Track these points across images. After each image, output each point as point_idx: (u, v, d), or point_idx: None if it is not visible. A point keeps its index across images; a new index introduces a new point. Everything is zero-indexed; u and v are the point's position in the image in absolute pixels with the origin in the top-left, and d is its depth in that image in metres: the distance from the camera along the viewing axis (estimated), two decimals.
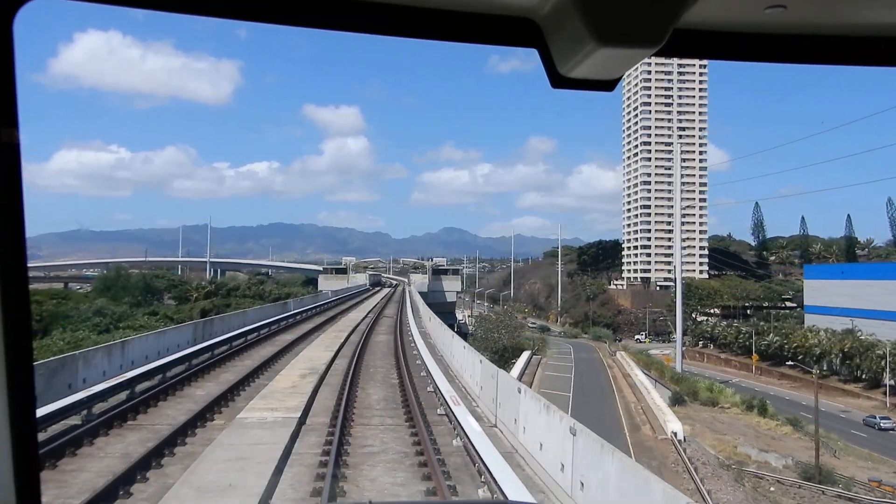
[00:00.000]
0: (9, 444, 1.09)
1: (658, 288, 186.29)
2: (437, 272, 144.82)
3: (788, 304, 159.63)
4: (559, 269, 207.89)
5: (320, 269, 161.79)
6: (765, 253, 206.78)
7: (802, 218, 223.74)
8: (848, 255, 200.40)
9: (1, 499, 1.10)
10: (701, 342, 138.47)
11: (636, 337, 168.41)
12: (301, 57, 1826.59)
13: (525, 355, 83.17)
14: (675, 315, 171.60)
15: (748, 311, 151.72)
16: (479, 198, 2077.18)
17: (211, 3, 1.23)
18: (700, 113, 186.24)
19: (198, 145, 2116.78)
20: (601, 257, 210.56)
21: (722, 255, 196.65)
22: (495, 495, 9.72)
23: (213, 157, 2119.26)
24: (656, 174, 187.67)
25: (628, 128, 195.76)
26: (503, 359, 75.29)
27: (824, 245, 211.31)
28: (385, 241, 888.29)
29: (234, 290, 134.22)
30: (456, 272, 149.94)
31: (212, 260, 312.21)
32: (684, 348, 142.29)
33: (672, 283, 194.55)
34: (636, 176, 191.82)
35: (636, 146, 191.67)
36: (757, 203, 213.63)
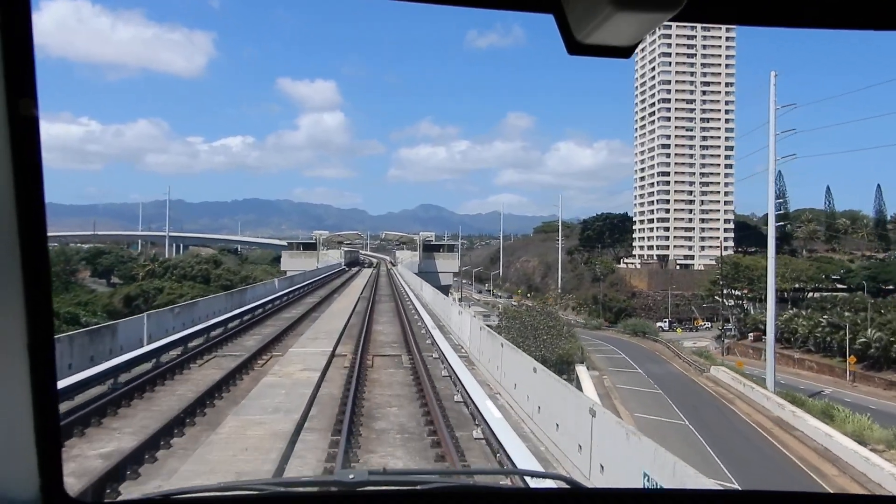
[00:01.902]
0: (31, 418, 1.07)
1: (678, 267, 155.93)
2: (429, 248, 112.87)
3: (839, 285, 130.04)
4: (559, 246, 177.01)
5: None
6: (789, 227, 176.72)
7: (828, 188, 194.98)
8: (878, 229, 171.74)
9: (25, 472, 1.09)
10: (752, 334, 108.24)
11: (658, 324, 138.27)
12: (276, 30, 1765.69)
13: (585, 375, 51.92)
14: (708, 299, 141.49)
15: (788, 295, 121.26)
16: (456, 175, 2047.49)
17: None
18: (727, 66, 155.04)
19: (170, 119, 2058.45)
20: (607, 233, 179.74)
21: (742, 229, 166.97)
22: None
23: (187, 131, 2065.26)
24: (677, 136, 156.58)
25: (643, 83, 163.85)
26: None
27: (847, 219, 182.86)
28: (362, 218, 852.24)
29: (174, 268, 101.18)
30: (451, 248, 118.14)
31: (175, 234, 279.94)
32: (729, 342, 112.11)
33: (692, 262, 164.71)
34: (652, 139, 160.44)
35: (653, 104, 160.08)
36: (780, 171, 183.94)
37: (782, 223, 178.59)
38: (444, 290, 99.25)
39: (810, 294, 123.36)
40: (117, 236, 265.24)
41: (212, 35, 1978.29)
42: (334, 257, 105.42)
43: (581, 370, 54.41)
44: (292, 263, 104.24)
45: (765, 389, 48.75)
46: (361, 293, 50.54)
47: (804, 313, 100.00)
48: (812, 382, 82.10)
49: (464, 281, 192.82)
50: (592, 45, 1.22)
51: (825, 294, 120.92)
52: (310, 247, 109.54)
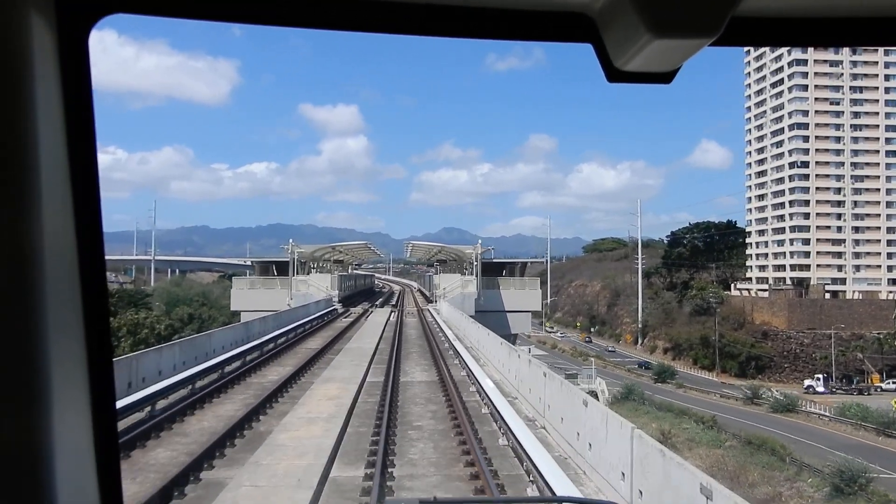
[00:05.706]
0: (91, 437, 1.07)
1: (827, 295, 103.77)
2: (487, 270, 62.37)
3: None
4: (640, 268, 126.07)
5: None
6: None
7: None
8: None
9: (85, 489, 1.08)
10: None
11: (807, 383, 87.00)
12: (297, 55, 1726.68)
13: None
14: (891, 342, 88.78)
15: None
16: (478, 197, 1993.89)
17: (213, 8, 1.08)
18: None
19: (195, 146, 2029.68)
20: (703, 248, 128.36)
21: None
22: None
23: (211, 158, 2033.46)
24: (817, 111, 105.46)
25: None
26: None
27: None
28: (385, 242, 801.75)
29: None
30: (523, 270, 67.46)
31: (167, 259, 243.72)
32: None
33: (843, 288, 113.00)
34: (780, 118, 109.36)
35: (779, 70, 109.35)
36: None
37: None
38: (512, 339, 48.93)
39: None
40: (116, 261, 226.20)
41: (235, 63, 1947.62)
42: (321, 286, 55.24)
43: None
44: (249, 300, 55.03)
45: None
46: None
47: None
48: None
49: (542, 323, 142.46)
50: (632, 73, 1.20)
51: None
52: (281, 268, 59.69)
